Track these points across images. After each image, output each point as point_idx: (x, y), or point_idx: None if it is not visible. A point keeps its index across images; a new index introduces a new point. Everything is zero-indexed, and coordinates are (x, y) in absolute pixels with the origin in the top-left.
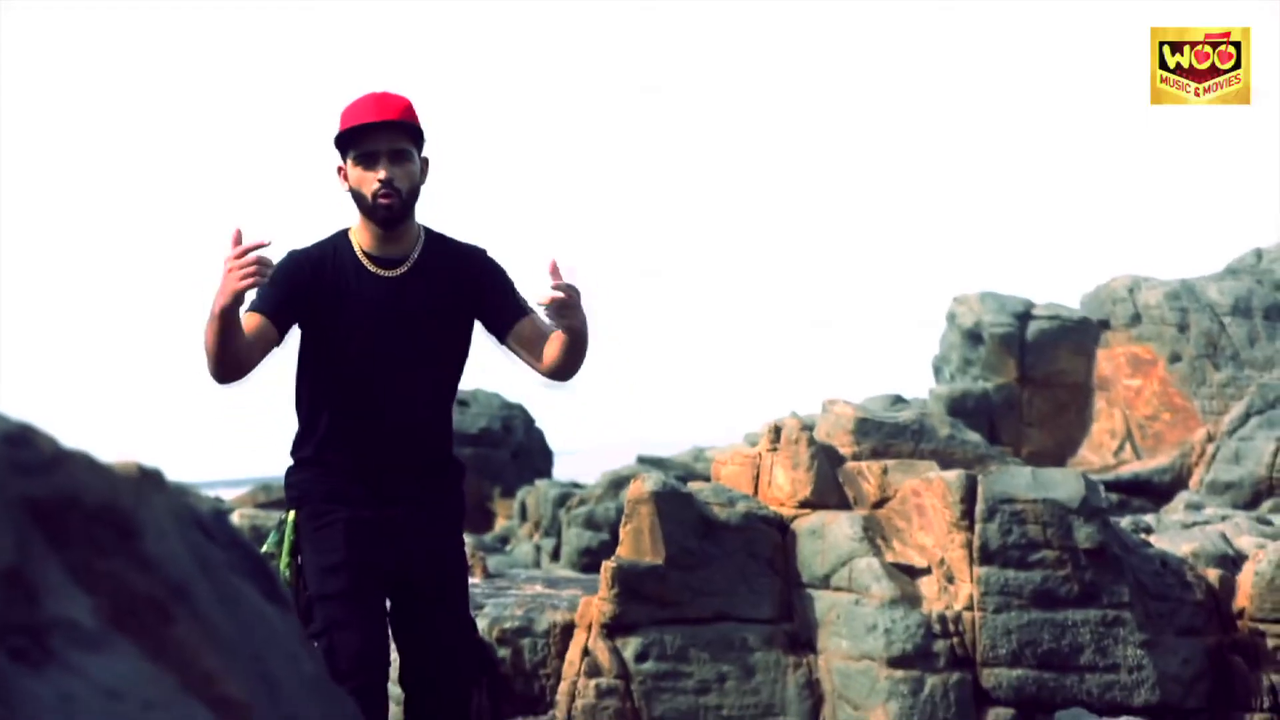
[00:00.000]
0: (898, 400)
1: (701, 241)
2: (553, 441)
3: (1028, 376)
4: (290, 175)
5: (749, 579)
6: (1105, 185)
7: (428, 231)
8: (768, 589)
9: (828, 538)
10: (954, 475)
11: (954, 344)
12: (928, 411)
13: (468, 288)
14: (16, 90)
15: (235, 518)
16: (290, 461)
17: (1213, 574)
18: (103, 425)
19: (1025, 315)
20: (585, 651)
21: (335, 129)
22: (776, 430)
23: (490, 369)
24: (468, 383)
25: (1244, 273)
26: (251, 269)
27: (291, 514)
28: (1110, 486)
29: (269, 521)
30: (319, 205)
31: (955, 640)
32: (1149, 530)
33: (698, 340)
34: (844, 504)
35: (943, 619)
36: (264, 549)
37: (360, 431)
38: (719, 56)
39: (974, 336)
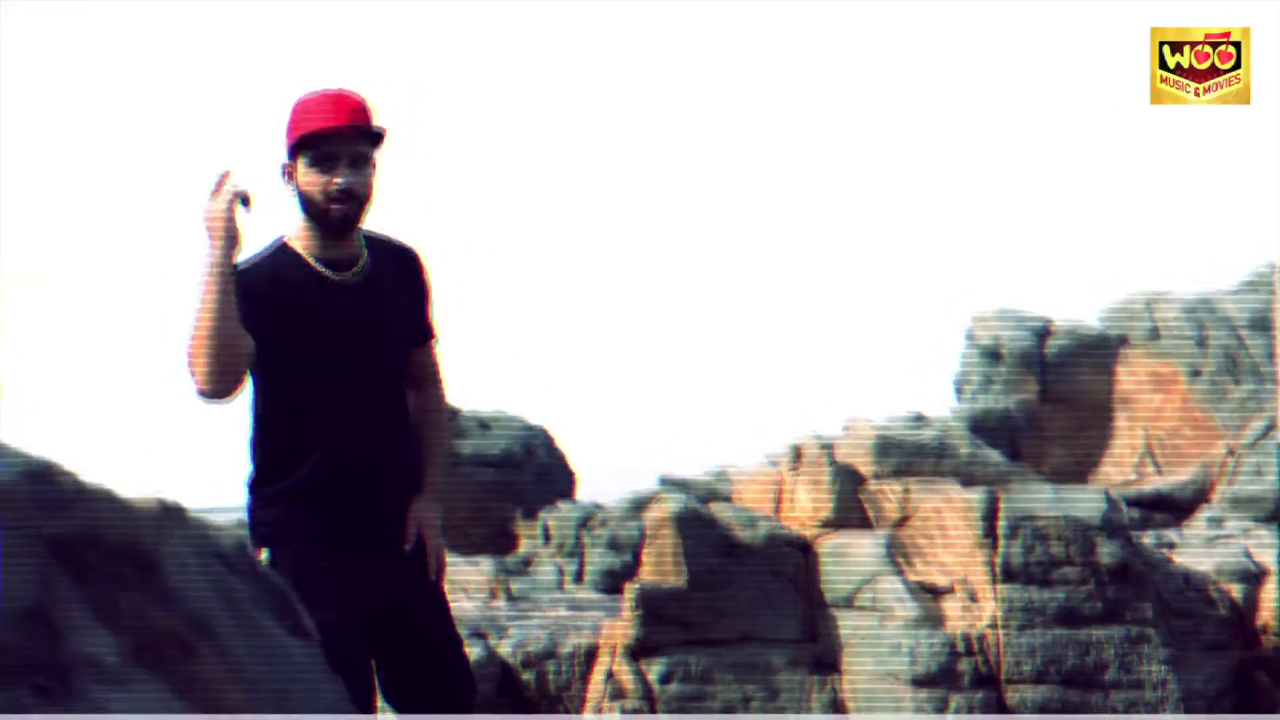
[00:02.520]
0: (919, 419)
1: (722, 260)
2: (575, 463)
3: (1048, 393)
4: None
5: (772, 600)
6: (1109, 189)
7: (363, 230)
8: (791, 610)
9: (850, 558)
10: (975, 493)
11: (974, 362)
12: (948, 430)
13: (409, 289)
14: (16, 91)
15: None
16: (251, 494)
17: (1235, 589)
18: (117, 445)
19: (1043, 332)
20: (609, 675)
21: (285, 122)
22: (797, 451)
23: (511, 390)
24: (488, 403)
25: (1261, 286)
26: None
27: (264, 553)
28: (1132, 502)
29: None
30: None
31: (979, 659)
32: (1171, 546)
33: (719, 358)
34: (865, 524)
35: (966, 638)
36: None
37: (337, 448)
38: (740, 65)
39: (993, 354)
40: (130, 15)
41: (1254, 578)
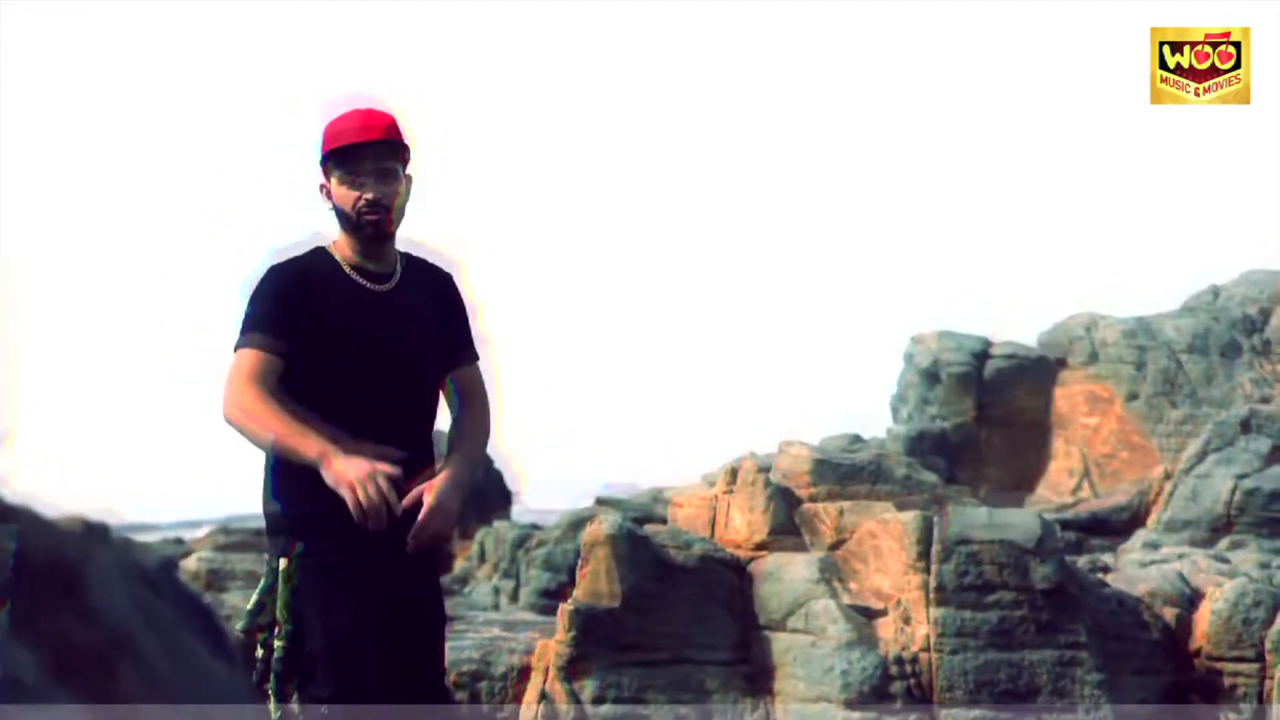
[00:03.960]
0: (856, 440)
1: (658, 279)
2: (512, 482)
3: (985, 415)
4: (284, 181)
5: (706, 620)
6: (1104, 192)
7: (399, 250)
8: (725, 630)
9: (785, 579)
10: (910, 516)
11: (911, 383)
12: (885, 451)
13: (443, 309)
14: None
15: (194, 561)
16: (275, 501)
17: (1170, 613)
18: (56, 463)
19: (983, 354)
20: (542, 694)
21: (318, 142)
22: (734, 472)
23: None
24: None
25: (1201, 310)
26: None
27: (283, 562)
28: (1067, 525)
29: (227, 565)
30: (307, 209)
31: (912, 680)
32: (1106, 569)
33: (658, 377)
34: (801, 545)
35: (900, 659)
36: (254, 598)
37: (360, 453)
38: (659, 91)
39: (931, 375)
40: (130, 15)
41: (1188, 601)
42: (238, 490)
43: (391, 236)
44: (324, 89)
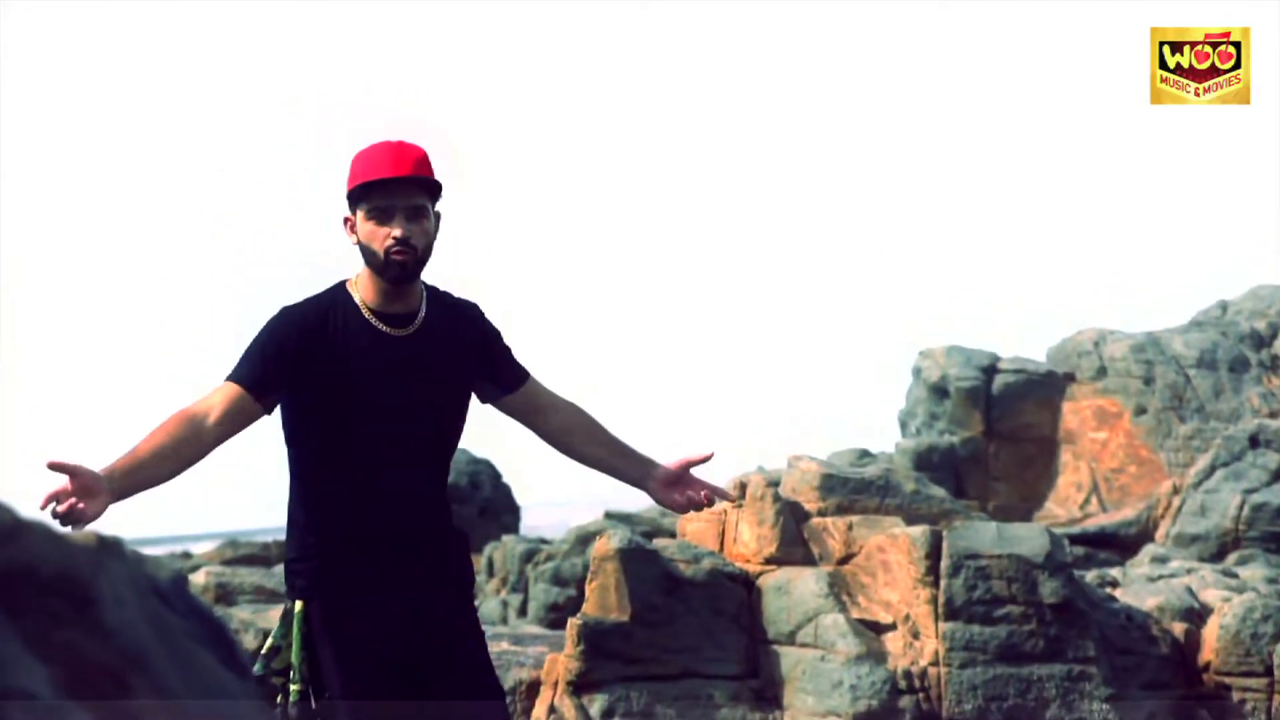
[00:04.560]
0: (864, 455)
1: (668, 294)
2: (520, 496)
3: (994, 430)
4: (284, 188)
5: (714, 635)
6: (1107, 205)
7: (426, 286)
8: (733, 645)
9: (793, 594)
10: (919, 531)
11: (920, 398)
12: (893, 466)
13: (470, 347)
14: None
15: (202, 575)
16: (291, 547)
17: (1178, 628)
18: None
19: (991, 369)
20: (552, 709)
21: (345, 176)
22: (742, 486)
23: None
24: None
25: (1209, 325)
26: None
27: (299, 604)
28: (1076, 540)
29: (235, 579)
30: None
31: (921, 696)
32: (1115, 584)
33: (666, 391)
34: (809, 560)
35: (908, 675)
36: (269, 642)
37: (373, 503)
38: (668, 106)
39: (940, 390)
40: (130, 15)
41: (1197, 616)
42: (242, 503)
43: (416, 278)
44: (323, 88)
